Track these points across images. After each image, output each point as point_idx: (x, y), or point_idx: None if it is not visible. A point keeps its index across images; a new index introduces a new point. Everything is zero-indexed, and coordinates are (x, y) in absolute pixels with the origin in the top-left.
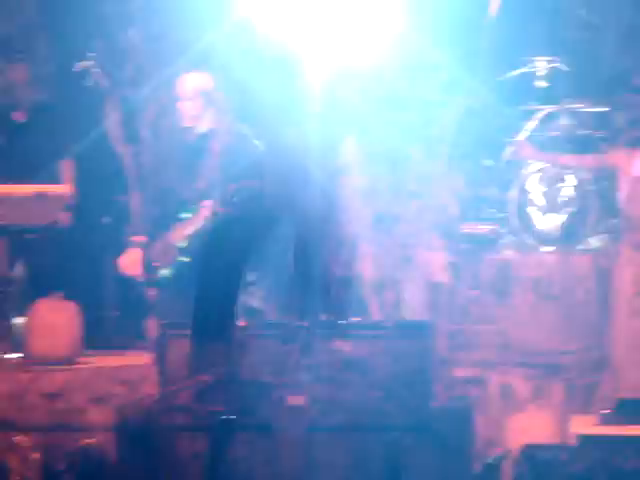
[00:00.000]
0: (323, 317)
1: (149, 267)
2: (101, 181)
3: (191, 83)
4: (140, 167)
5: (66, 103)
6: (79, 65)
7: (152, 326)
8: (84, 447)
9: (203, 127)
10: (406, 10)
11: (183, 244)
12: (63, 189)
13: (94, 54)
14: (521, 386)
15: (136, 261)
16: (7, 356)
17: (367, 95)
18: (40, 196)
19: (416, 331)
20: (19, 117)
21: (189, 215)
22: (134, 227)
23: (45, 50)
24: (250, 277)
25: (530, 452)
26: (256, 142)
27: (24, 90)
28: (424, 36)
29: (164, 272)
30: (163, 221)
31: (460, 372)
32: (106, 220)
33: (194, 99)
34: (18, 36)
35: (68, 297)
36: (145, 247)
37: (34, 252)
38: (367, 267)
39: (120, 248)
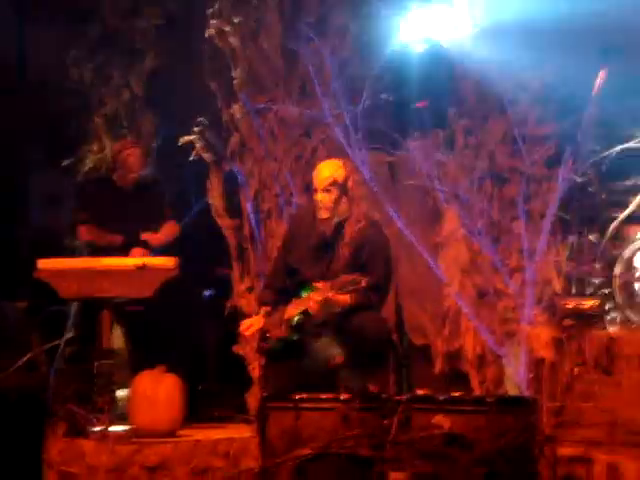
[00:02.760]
0: (421, 391)
1: (262, 336)
2: (203, 254)
3: (327, 174)
4: (243, 240)
5: (170, 177)
6: (183, 139)
7: (253, 399)
8: None
9: (336, 217)
10: (509, 82)
11: (293, 321)
12: (165, 261)
13: (198, 128)
14: (629, 466)
15: (255, 326)
16: (110, 428)
17: (468, 168)
18: (142, 268)
19: (519, 407)
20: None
21: (305, 294)
22: (261, 296)
23: (150, 125)
24: (352, 360)
25: None
26: (385, 231)
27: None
28: (528, 109)
29: (273, 344)
30: (286, 295)
31: (565, 450)
32: (207, 293)
33: (330, 191)
34: (124, 112)
35: (170, 370)
36: (267, 316)
37: (136, 324)
38: (469, 341)
39: (220, 321)
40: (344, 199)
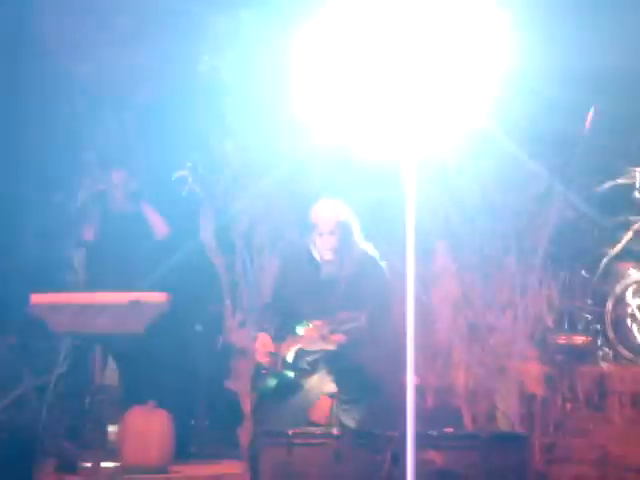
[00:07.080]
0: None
1: (257, 374)
2: (195, 290)
3: (331, 216)
4: (235, 276)
5: (162, 212)
6: (176, 174)
7: (245, 435)
8: None
9: (337, 256)
10: (500, 121)
11: (290, 358)
12: (157, 297)
13: (190, 164)
14: None
15: (267, 346)
16: (101, 464)
17: (461, 205)
18: (134, 304)
19: (511, 443)
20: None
21: (301, 331)
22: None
23: (142, 160)
24: (345, 396)
25: None
26: (382, 263)
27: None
28: (518, 146)
29: (269, 382)
30: (281, 332)
31: None
32: (199, 328)
33: (335, 232)
34: (116, 147)
35: (160, 405)
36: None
37: (128, 360)
38: (461, 377)
39: (212, 356)
40: (346, 239)
